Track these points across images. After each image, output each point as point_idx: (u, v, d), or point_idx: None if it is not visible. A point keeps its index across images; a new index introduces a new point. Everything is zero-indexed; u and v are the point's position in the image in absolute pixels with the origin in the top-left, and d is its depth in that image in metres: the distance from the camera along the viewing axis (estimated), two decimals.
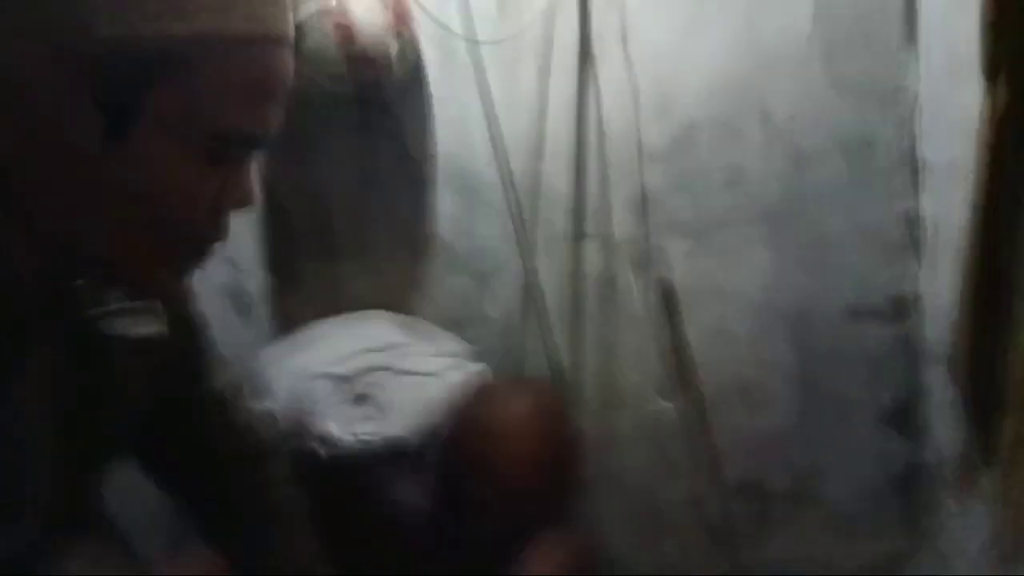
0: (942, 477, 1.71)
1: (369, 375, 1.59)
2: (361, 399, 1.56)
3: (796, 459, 1.80)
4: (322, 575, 0.86)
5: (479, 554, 1.35)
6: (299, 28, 0.60)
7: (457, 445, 1.44)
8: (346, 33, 1.48)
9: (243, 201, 0.59)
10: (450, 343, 1.70)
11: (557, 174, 1.68)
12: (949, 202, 1.47)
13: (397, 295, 1.75)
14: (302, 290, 1.79)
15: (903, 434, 1.76)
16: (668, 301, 1.67)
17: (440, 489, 1.44)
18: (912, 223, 1.61)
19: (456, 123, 1.70)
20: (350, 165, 1.72)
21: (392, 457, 1.47)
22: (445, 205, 1.73)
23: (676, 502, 1.84)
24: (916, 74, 1.51)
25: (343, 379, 1.57)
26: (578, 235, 1.69)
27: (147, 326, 0.66)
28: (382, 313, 1.71)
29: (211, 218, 0.58)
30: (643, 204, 1.65)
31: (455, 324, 1.75)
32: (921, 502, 1.79)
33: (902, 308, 1.67)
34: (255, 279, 1.80)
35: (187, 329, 0.77)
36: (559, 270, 1.72)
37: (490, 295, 1.75)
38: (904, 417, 1.74)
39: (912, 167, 1.57)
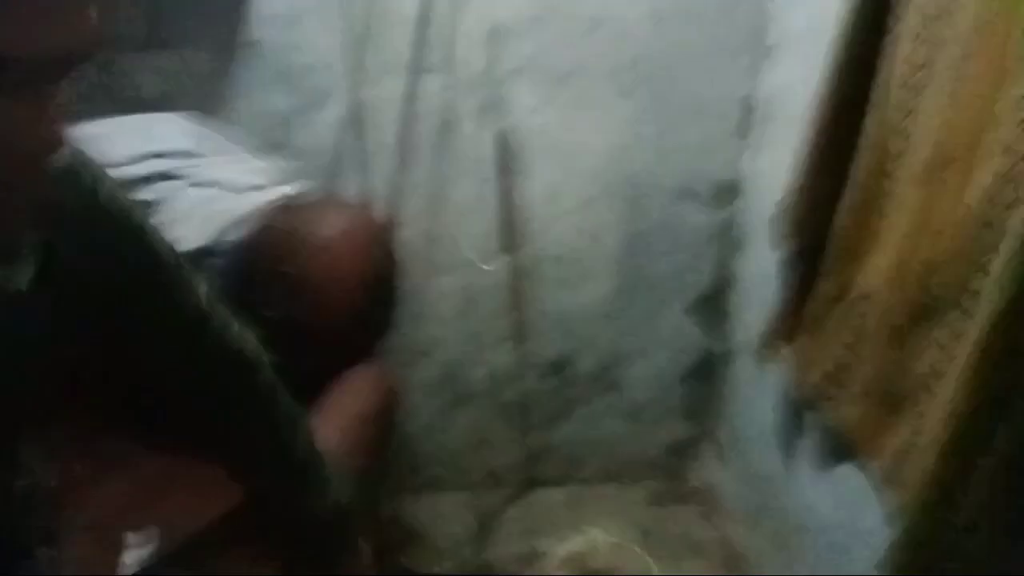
0: (733, 370, 1.78)
1: (154, 183, 1.32)
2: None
3: (604, 341, 1.79)
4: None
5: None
6: None
7: (258, 262, 1.23)
8: None
9: (43, 146, 0.48)
10: (255, 160, 1.46)
11: None
12: (793, 79, 1.49)
13: (197, 101, 1.46)
14: (77, 83, 1.44)
15: (706, 323, 1.81)
16: (505, 154, 1.56)
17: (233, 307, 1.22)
18: (747, 104, 1.62)
19: None
20: None
21: None
22: (268, 7, 1.47)
23: (480, 375, 1.76)
24: None
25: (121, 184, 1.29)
26: (418, 66, 1.51)
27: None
28: (176, 117, 1.43)
29: (13, 169, 0.47)
30: (493, 40, 1.52)
31: (264, 148, 1.51)
32: (710, 393, 1.86)
33: (726, 191, 1.69)
34: None
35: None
36: (391, 104, 1.54)
37: (308, 121, 1.53)
38: (709, 306, 1.79)
39: (761, 41, 1.57)
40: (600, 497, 1.87)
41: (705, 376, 1.84)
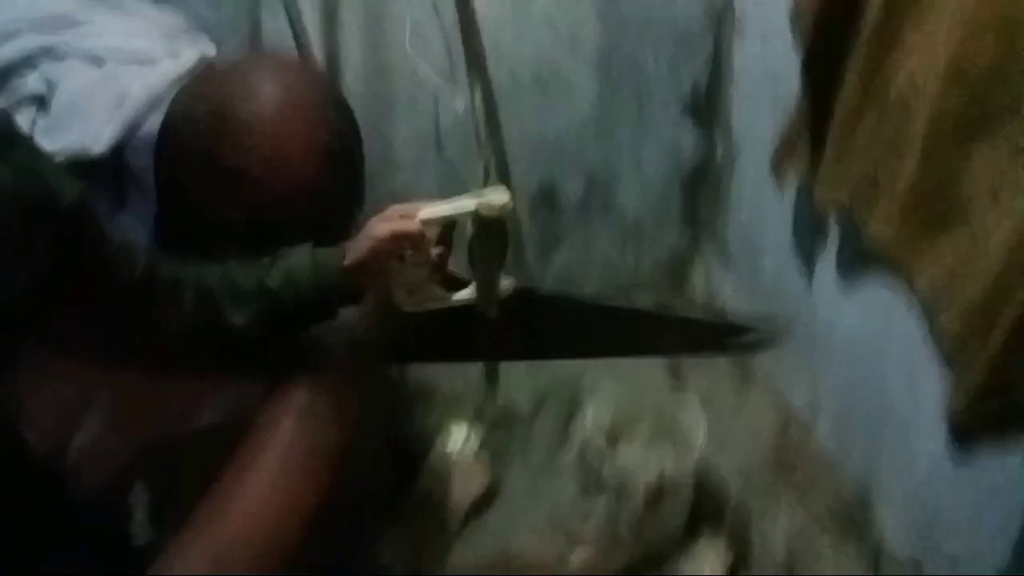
0: (735, 174, 1.63)
1: (32, 66, 1.07)
2: (25, 103, 1.05)
3: (592, 160, 1.61)
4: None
5: None
6: None
7: (188, 154, 1.02)
8: None
9: None
10: (150, 12, 1.19)
11: None
12: None
13: None
14: None
15: (700, 124, 1.63)
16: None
17: (165, 212, 1.04)
18: None
19: None
20: None
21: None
22: None
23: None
24: None
25: None
26: None
27: None
28: None
29: None
30: None
31: None
32: (710, 200, 1.72)
33: None
34: None
35: None
36: None
37: None
38: (704, 104, 1.60)
39: None
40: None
41: (703, 182, 1.69)
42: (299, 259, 0.82)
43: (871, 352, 1.25)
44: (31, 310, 0.64)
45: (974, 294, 0.92)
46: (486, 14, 1.34)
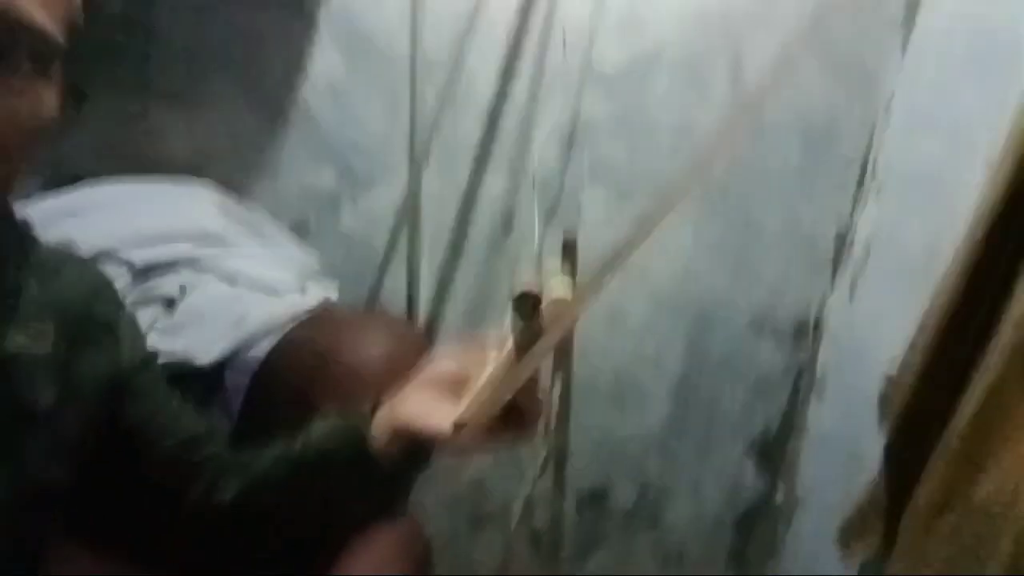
0: (793, 524, 1.59)
1: (174, 270, 1.15)
2: (154, 301, 1.12)
3: (650, 474, 1.60)
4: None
5: (291, 540, 0.97)
6: None
7: (283, 388, 1.05)
8: None
9: (33, 123, 0.52)
10: (291, 249, 1.29)
11: (481, 70, 1.32)
12: (901, 221, 1.32)
13: (227, 167, 1.29)
14: (85, 128, 1.27)
15: (764, 467, 1.61)
16: (569, 263, 1.38)
17: (243, 432, 1.04)
18: (841, 240, 1.45)
19: None
20: None
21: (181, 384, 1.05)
22: (323, 62, 1.30)
23: (506, 497, 1.57)
24: (899, 65, 1.34)
25: (134, 269, 1.12)
26: (484, 155, 1.34)
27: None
28: (204, 187, 1.26)
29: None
30: (572, 137, 1.34)
31: (299, 227, 1.34)
32: (764, 545, 1.66)
33: (806, 330, 1.51)
34: None
35: None
36: (449, 192, 1.36)
37: (353, 200, 1.35)
38: (770, 451, 1.60)
39: (862, 171, 1.40)
40: None
41: (759, 525, 1.64)
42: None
43: None
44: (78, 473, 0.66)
45: None
46: (583, 321, 1.41)
